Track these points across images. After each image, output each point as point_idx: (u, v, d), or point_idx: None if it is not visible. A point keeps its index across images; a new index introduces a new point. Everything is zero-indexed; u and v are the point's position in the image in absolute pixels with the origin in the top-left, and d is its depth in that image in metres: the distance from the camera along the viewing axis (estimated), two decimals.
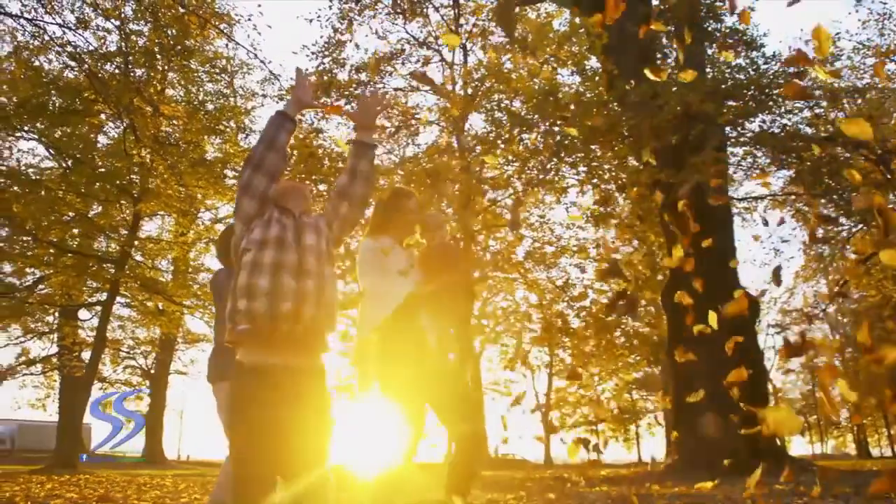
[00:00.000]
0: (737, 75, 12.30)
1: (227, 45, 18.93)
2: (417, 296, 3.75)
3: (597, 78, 14.52)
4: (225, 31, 13.59)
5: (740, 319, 11.52)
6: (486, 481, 13.62)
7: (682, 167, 9.92)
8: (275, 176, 2.63)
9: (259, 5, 23.19)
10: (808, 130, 12.81)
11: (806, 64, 2.46)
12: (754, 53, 13.37)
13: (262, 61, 16.61)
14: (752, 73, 12.51)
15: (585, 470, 17.87)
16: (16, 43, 15.37)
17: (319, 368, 2.51)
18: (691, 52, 13.58)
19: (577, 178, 18.79)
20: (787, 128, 12.48)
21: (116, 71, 14.03)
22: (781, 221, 12.92)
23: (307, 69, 19.89)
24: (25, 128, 16.47)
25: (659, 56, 15.76)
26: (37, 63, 15.30)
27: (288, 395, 2.35)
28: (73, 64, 13.30)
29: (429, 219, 4.18)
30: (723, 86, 10.92)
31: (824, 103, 13.33)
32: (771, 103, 12.05)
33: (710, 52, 14.33)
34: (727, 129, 13.11)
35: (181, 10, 12.13)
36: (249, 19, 17.40)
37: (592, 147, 15.74)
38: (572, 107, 13.17)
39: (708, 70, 13.27)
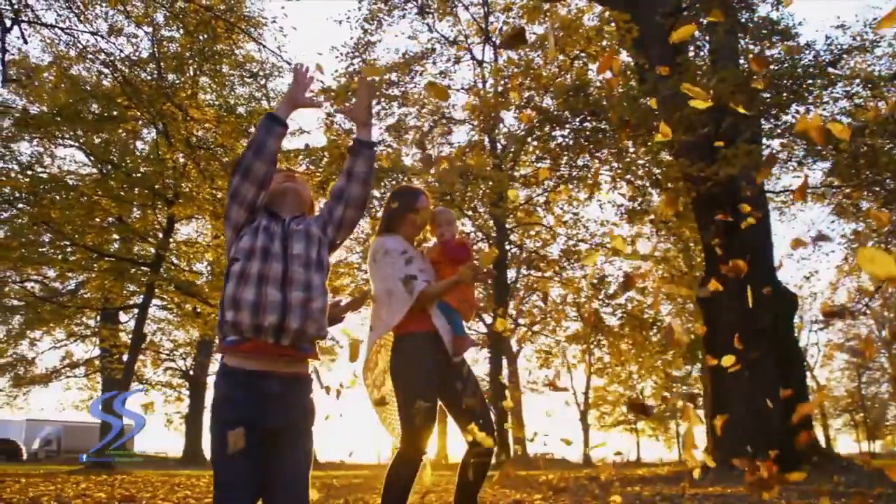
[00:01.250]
0: (771, 66, 12.05)
1: (258, 49, 19.13)
2: (429, 294, 3.70)
3: (628, 72, 14.36)
4: (252, 34, 13.65)
5: (780, 316, 11.23)
6: (517, 480, 13.53)
7: (714, 160, 9.73)
8: (263, 184, 2.53)
9: (283, 7, 23.14)
10: (846, 120, 12.49)
11: None
12: (789, 43, 13.07)
13: (286, 62, 16.63)
14: (786, 63, 12.24)
15: (615, 470, 17.69)
16: (54, 52, 15.74)
17: (304, 377, 2.46)
18: (723, 44, 13.34)
19: (610, 174, 18.64)
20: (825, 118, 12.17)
21: (149, 77, 14.24)
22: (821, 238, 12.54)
23: (336, 70, 20.13)
24: (67, 135, 16.86)
25: (691, 48, 15.52)
26: (73, 72, 15.61)
27: (269, 400, 2.32)
28: (106, 71, 13.53)
29: (438, 214, 4.11)
30: (754, 76, 10.67)
31: (864, 92, 13.00)
32: (807, 94, 11.79)
33: (743, 43, 14.09)
34: (762, 121, 12.86)
35: (208, 15, 12.21)
36: (274, 21, 17.50)
37: (626, 142, 15.59)
38: (604, 102, 13.04)
39: (742, 62, 13.03)
